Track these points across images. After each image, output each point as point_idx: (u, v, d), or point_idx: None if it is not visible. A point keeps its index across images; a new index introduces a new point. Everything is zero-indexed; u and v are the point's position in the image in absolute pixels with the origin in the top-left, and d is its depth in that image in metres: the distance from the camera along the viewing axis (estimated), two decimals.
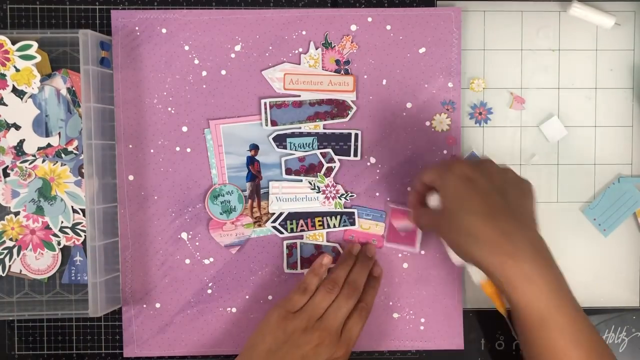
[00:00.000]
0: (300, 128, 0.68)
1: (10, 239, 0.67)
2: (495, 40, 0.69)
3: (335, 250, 0.68)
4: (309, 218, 0.68)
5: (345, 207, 0.68)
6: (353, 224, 0.68)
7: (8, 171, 0.67)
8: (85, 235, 0.68)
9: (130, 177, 0.68)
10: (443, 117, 0.68)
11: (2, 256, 0.68)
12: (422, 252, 0.68)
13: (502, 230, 0.53)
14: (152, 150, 0.67)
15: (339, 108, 0.68)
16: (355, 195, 0.68)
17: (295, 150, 0.68)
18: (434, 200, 0.60)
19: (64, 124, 0.67)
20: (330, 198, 0.68)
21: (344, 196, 0.68)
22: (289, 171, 0.68)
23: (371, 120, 0.68)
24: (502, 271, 0.52)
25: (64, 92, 0.67)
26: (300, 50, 0.67)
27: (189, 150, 0.68)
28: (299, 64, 0.67)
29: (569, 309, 0.52)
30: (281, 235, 0.68)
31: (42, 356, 0.69)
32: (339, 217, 0.68)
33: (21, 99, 0.66)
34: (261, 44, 0.67)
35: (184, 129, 0.67)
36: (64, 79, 0.67)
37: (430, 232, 0.67)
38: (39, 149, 0.67)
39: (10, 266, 0.68)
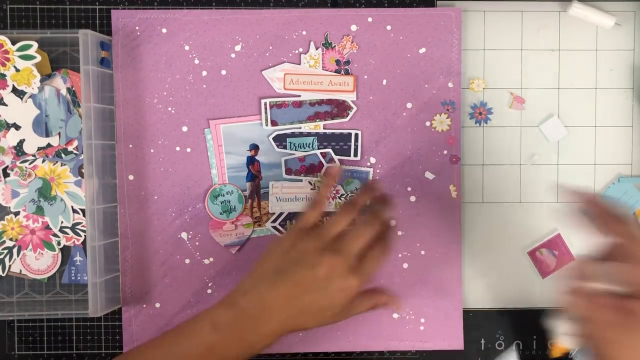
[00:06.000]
0: (300, 128, 0.68)
1: (10, 239, 0.67)
2: (495, 40, 0.69)
3: None
4: None
5: None
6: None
7: (8, 171, 0.67)
8: (85, 235, 0.68)
9: (130, 177, 0.68)
10: (443, 117, 0.68)
11: (2, 256, 0.67)
12: (422, 252, 0.68)
13: None
14: (152, 150, 0.67)
15: (339, 108, 0.68)
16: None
17: (295, 150, 0.68)
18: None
19: (64, 124, 0.67)
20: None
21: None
22: (289, 171, 0.68)
23: (371, 120, 0.68)
24: None
25: (64, 92, 0.67)
26: (301, 50, 0.67)
27: (189, 150, 0.68)
28: (299, 64, 0.67)
29: None
30: None
31: (42, 356, 0.69)
32: None
33: (21, 99, 0.66)
34: (261, 44, 0.67)
35: (184, 128, 0.67)
36: (64, 79, 0.67)
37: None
38: (39, 149, 0.67)
39: (10, 266, 0.68)
